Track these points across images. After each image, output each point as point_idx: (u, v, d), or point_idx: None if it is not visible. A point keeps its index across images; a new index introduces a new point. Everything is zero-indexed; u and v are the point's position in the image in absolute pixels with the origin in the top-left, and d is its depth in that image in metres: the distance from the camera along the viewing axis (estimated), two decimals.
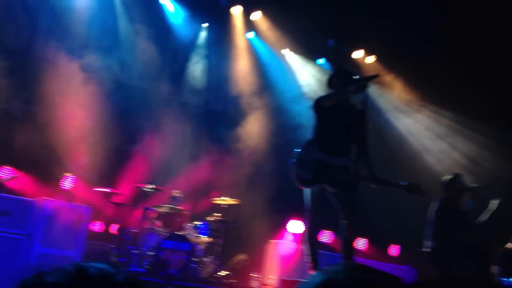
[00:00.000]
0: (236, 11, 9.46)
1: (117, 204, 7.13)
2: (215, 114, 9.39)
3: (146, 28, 8.52)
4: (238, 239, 7.86)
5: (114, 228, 7.19)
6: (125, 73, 8.36)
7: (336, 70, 5.39)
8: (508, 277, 5.96)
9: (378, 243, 8.88)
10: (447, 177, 5.92)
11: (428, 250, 5.65)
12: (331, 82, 4.87)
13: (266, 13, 9.50)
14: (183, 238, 6.73)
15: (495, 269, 5.80)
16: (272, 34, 9.61)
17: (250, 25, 9.58)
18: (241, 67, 9.56)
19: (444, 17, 8.30)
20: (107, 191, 6.98)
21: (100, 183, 7.25)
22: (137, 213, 7.06)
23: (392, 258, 8.78)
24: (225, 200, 7.34)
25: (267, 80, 9.72)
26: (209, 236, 7.12)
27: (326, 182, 4.47)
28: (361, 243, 8.62)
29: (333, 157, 4.48)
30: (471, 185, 6.10)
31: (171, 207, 7.09)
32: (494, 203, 5.65)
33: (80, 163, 7.55)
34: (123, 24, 8.46)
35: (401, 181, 4.65)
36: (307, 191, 4.59)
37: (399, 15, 8.30)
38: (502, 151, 9.41)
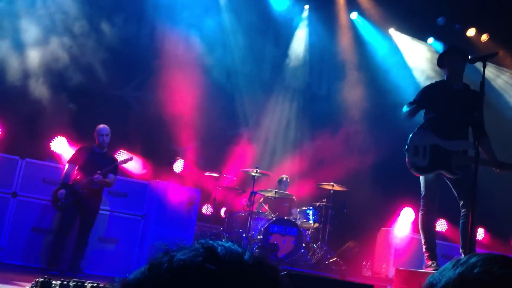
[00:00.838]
0: None
1: (225, 188, 7.17)
2: (318, 97, 9.15)
3: (248, 13, 8.46)
4: (346, 226, 7.62)
5: (222, 211, 7.25)
6: (228, 58, 8.34)
7: (447, 48, 4.95)
8: None
9: (499, 233, 8.20)
10: None
11: None
12: (443, 60, 4.47)
13: None
14: (291, 223, 6.64)
15: None
16: (376, 13, 9.16)
17: (353, 5, 9.19)
18: (344, 47, 9.22)
19: None
20: (216, 175, 7.03)
21: (208, 167, 7.32)
22: (245, 197, 7.05)
23: None
24: (333, 186, 7.11)
25: (371, 60, 9.30)
26: (316, 222, 6.97)
27: (444, 168, 4.15)
28: (479, 233, 8.01)
29: (449, 142, 4.15)
30: None
31: (278, 192, 7.03)
32: None
33: (189, 147, 7.68)
34: (225, 10, 8.42)
35: None
36: (422, 178, 4.31)
37: None
38: None
